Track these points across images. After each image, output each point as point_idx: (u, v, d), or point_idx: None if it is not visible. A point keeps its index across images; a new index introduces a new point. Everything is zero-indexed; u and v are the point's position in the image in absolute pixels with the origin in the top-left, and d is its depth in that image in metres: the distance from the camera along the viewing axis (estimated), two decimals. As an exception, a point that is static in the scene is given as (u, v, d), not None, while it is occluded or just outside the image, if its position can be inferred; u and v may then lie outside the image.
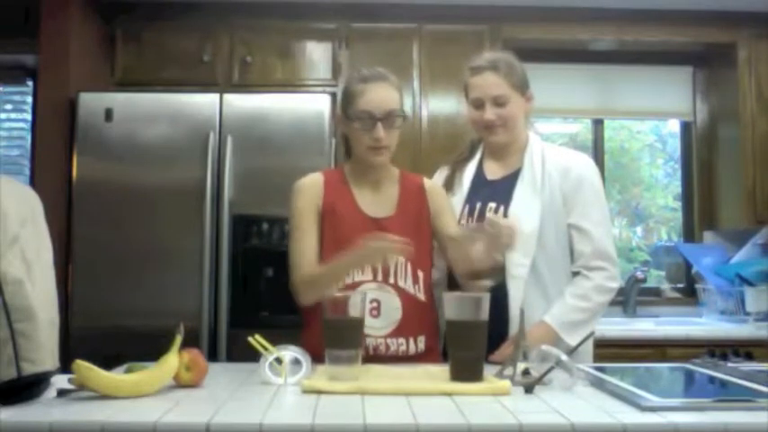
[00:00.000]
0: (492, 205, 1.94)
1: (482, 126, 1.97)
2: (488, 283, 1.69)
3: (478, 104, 1.96)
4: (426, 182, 1.97)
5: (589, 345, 1.98)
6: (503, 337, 1.82)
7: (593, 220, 1.92)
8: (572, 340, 1.80)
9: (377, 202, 1.89)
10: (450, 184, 2.05)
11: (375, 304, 1.78)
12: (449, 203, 1.96)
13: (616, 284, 1.93)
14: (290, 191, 1.90)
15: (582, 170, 1.96)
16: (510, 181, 1.97)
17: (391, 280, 1.81)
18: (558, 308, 1.87)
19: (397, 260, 1.80)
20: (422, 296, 1.83)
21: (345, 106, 1.87)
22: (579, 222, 1.92)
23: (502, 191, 1.96)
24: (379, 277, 1.80)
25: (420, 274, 1.84)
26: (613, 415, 1.18)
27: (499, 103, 1.94)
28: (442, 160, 2.19)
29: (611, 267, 1.91)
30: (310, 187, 1.88)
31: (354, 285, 1.78)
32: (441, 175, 2.11)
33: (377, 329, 1.77)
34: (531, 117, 2.08)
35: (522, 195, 1.93)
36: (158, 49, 3.40)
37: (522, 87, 1.98)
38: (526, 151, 1.99)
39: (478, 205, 1.96)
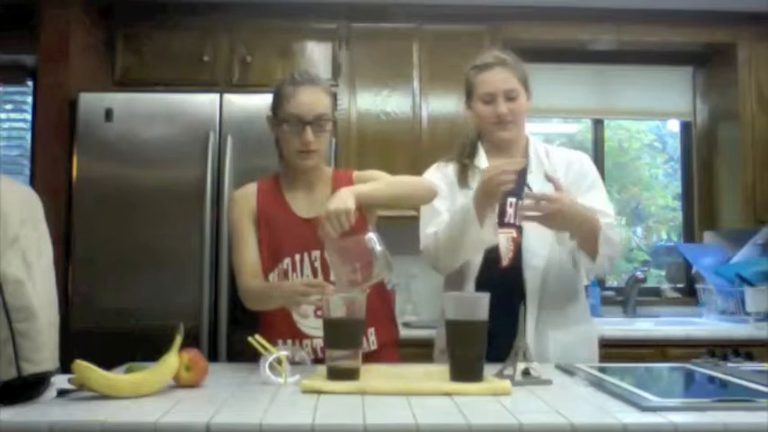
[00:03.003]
0: (511, 200, 1.93)
1: (493, 121, 1.95)
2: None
3: (489, 99, 1.95)
4: (355, 174, 1.95)
5: (595, 346, 2.00)
6: (513, 331, 1.63)
7: (597, 201, 1.93)
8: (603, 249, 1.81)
9: (310, 203, 1.89)
10: (465, 177, 1.99)
11: (318, 304, 1.71)
12: (376, 175, 1.90)
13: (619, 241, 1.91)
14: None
15: (584, 163, 2.02)
16: (519, 176, 1.90)
17: (332, 278, 1.80)
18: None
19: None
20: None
21: (276, 108, 1.87)
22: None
23: (516, 185, 1.88)
24: (320, 277, 1.81)
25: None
26: (613, 415, 1.18)
27: (511, 97, 1.93)
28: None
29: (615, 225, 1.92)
30: (243, 197, 1.92)
31: None
32: (439, 170, 2.04)
33: (320, 330, 1.67)
34: (529, 118, 2.09)
35: (534, 186, 1.92)
36: (158, 49, 3.40)
37: (527, 85, 1.99)
38: (529, 147, 2.01)
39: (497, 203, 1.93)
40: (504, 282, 1.85)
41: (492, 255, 1.90)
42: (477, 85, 1.97)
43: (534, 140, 2.05)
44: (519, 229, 1.92)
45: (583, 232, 1.83)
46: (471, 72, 1.99)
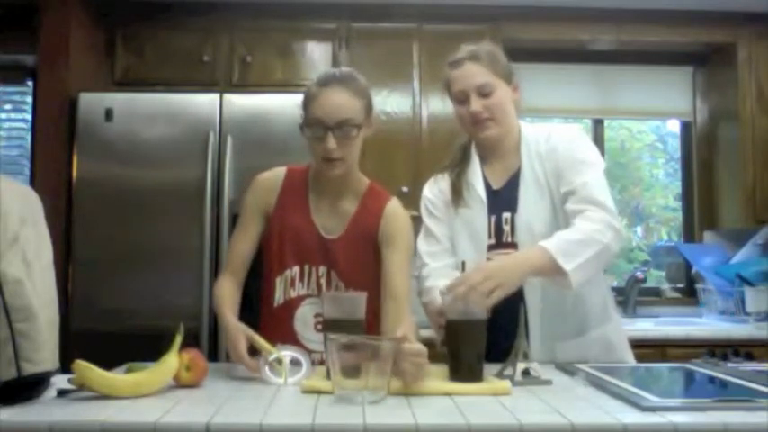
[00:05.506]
0: (506, 216, 1.81)
1: (469, 122, 1.81)
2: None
3: (462, 98, 1.80)
4: (389, 205, 1.80)
5: (619, 345, 1.91)
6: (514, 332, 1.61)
7: (582, 175, 1.72)
8: (568, 265, 1.58)
9: (331, 216, 1.79)
10: (459, 194, 1.87)
11: (320, 318, 1.68)
12: (402, 237, 1.76)
13: (616, 232, 1.65)
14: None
15: (563, 141, 1.80)
16: (513, 185, 1.83)
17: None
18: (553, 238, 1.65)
19: (337, 285, 1.76)
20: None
21: (303, 110, 1.73)
22: (569, 187, 1.73)
23: (509, 199, 1.81)
24: (324, 291, 1.75)
25: None
26: (613, 415, 1.18)
27: (484, 93, 1.78)
28: (440, 162, 2.03)
29: (607, 215, 1.67)
30: (267, 184, 1.82)
31: (299, 299, 1.77)
32: (436, 184, 1.94)
33: (321, 344, 1.66)
34: (529, 118, 1.96)
35: (527, 200, 1.79)
36: (158, 49, 3.40)
37: (508, 76, 1.82)
38: (522, 146, 1.83)
39: (494, 218, 1.82)
40: (509, 298, 1.67)
41: None
42: (451, 84, 1.84)
43: (530, 136, 1.85)
44: (516, 248, 1.78)
45: (544, 272, 1.63)
46: (446, 70, 1.85)
